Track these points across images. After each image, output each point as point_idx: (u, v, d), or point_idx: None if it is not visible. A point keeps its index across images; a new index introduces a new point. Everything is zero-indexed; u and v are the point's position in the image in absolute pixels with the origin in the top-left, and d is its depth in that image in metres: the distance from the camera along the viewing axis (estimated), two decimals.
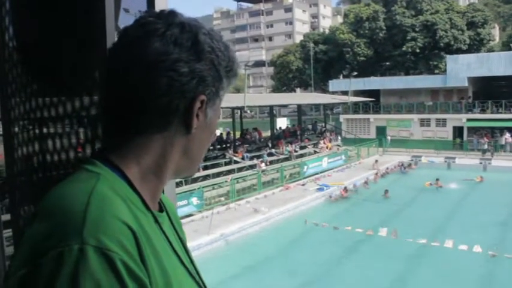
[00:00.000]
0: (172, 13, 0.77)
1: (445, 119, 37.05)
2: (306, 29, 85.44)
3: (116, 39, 0.78)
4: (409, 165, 29.18)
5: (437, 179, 24.39)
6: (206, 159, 23.51)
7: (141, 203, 0.72)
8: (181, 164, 0.79)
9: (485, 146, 32.58)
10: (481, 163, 29.47)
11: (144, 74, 0.72)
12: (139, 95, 0.72)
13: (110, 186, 0.68)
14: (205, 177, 22.24)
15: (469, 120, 35.69)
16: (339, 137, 36.92)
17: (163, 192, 0.84)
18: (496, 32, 72.45)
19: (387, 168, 28.87)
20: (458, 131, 36.29)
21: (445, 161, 30.30)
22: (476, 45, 52.04)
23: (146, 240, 0.66)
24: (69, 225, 0.60)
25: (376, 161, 29.32)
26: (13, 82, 1.28)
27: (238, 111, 29.05)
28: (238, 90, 68.14)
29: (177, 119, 0.74)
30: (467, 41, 51.66)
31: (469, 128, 35.63)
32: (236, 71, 0.82)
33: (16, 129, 1.28)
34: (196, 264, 0.85)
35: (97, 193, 0.65)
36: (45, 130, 1.18)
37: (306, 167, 25.89)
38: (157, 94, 0.72)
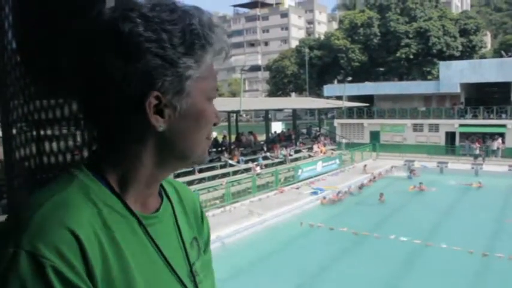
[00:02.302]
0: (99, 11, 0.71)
1: (438, 125, 37.49)
2: (302, 34, 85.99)
3: None
4: (412, 171, 29.29)
5: (420, 183, 24.98)
6: None
7: (122, 207, 0.72)
8: (169, 160, 0.76)
9: (477, 151, 33.04)
10: (472, 168, 29.93)
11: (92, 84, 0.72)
12: (95, 105, 0.73)
13: (84, 191, 0.69)
14: (201, 180, 22.52)
15: (461, 125, 36.14)
16: (337, 141, 37.37)
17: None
18: (488, 39, 73.25)
19: (380, 173, 29.25)
20: (450, 136, 36.73)
21: (438, 166, 30.74)
22: (469, 52, 52.70)
23: (110, 246, 0.66)
24: (14, 229, 0.62)
25: (365, 165, 29.74)
26: (12, 84, 1.26)
27: (234, 115, 29.36)
28: (234, 94, 68.50)
29: (139, 121, 0.70)
30: (460, 48, 52.31)
31: (461, 134, 36.07)
32: (205, 36, 0.71)
33: (15, 131, 1.26)
34: (199, 264, 0.85)
35: (55, 199, 0.66)
36: (43, 132, 1.17)
37: (300, 170, 26.19)
38: (107, 103, 0.71)
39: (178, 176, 21.03)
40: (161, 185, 0.84)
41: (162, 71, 0.68)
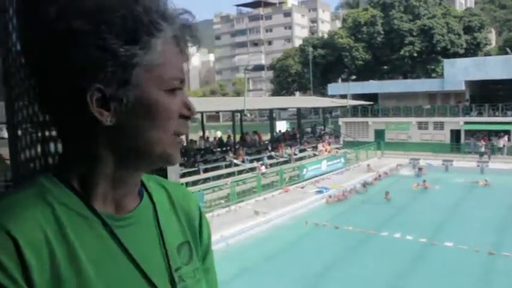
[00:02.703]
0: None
1: (443, 122, 37.38)
2: (305, 33, 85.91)
3: None
4: (421, 169, 29.07)
5: (424, 180, 24.96)
6: (206, 162, 23.85)
7: (83, 207, 0.69)
8: (128, 158, 0.71)
9: (483, 149, 32.91)
10: (478, 166, 29.82)
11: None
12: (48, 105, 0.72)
13: (40, 193, 0.67)
14: (206, 180, 22.56)
15: (466, 123, 36.02)
16: (341, 140, 37.32)
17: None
18: (492, 36, 72.87)
19: (385, 172, 29.19)
20: (455, 134, 36.62)
21: (443, 164, 30.66)
22: (473, 50, 52.52)
23: (63, 247, 0.64)
24: None
25: (368, 164, 29.68)
26: (17, 86, 1.23)
27: (238, 114, 29.38)
28: (238, 94, 68.56)
29: (86, 117, 0.66)
30: (464, 45, 52.16)
31: (466, 131, 35.96)
32: (152, 22, 0.66)
33: (20, 132, 1.23)
34: (183, 270, 0.80)
35: (4, 201, 0.66)
36: (48, 133, 1.13)
37: (305, 169, 26.19)
38: (55, 102, 0.69)
39: (183, 176, 21.10)
40: (144, 186, 0.80)
41: (102, 62, 0.64)
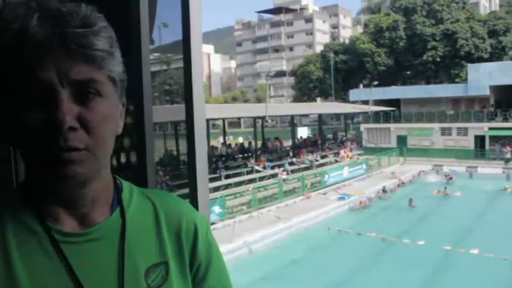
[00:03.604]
0: None
1: (467, 128, 36.85)
2: (326, 39, 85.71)
3: None
4: (451, 178, 28.07)
5: (445, 187, 24.70)
6: (228, 168, 24.00)
7: (33, 221, 0.69)
8: (30, 164, 0.70)
9: (508, 155, 32.33)
10: (504, 172, 29.30)
11: None
12: None
13: (2, 207, 0.70)
14: (227, 186, 22.70)
15: (491, 129, 35.44)
16: (362, 146, 37.10)
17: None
18: None
19: (409, 179, 28.89)
20: (480, 140, 36.04)
21: (467, 170, 30.21)
22: (498, 54, 51.61)
23: (1, 261, 0.65)
24: None
25: (393, 172, 29.36)
26: None
27: (260, 120, 29.50)
28: (259, 100, 68.72)
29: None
30: (489, 50, 51.31)
31: (491, 137, 35.37)
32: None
33: None
34: None
35: None
36: None
37: (327, 176, 26.12)
38: None
39: None
40: (120, 200, 0.77)
41: None
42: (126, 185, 0.80)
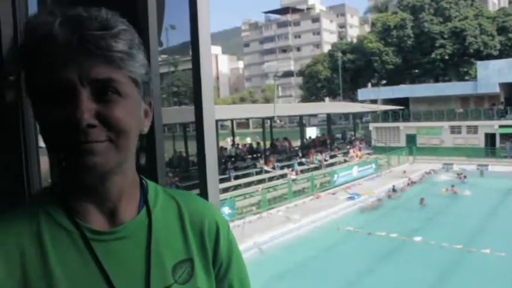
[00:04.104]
0: None
1: (477, 126, 36.60)
2: (334, 38, 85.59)
3: None
4: (465, 176, 27.48)
5: (452, 185, 24.49)
6: (237, 169, 24.04)
7: (66, 220, 0.73)
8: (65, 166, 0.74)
9: None
10: None
11: None
12: None
13: (39, 205, 0.74)
14: (237, 187, 22.73)
15: (501, 126, 35.16)
16: (371, 145, 36.96)
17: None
18: None
19: (420, 177, 28.73)
20: (490, 138, 35.77)
21: (478, 169, 29.98)
22: (508, 51, 51.15)
23: (36, 254, 0.69)
24: None
25: (404, 171, 29.19)
26: None
27: (268, 121, 29.51)
28: (267, 101, 68.73)
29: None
30: (498, 47, 50.92)
31: (501, 135, 35.09)
32: (27, 42, 0.69)
33: None
34: None
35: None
36: None
37: (336, 175, 26.06)
38: None
39: None
40: (146, 201, 0.81)
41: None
42: (151, 185, 0.84)
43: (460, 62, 52.84)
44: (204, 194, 1.13)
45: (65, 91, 0.66)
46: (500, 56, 48.47)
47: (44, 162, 1.31)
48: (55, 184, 0.77)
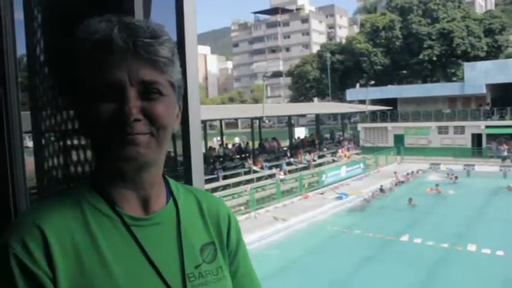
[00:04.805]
0: None
1: (464, 127, 36.96)
2: (323, 39, 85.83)
3: None
4: (456, 177, 27.59)
5: (436, 185, 24.79)
6: (225, 169, 24.01)
7: (107, 208, 0.80)
8: (101, 156, 0.83)
9: (505, 153, 32.41)
10: (501, 170, 29.39)
11: None
12: None
13: (75, 196, 0.80)
14: (225, 187, 22.70)
15: (487, 127, 35.56)
16: (360, 145, 37.08)
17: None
18: None
19: (407, 177, 28.93)
20: (477, 138, 36.14)
21: (464, 169, 30.27)
22: (494, 52, 51.80)
23: (85, 240, 0.76)
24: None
25: (395, 172, 29.35)
26: (43, 95, 1.33)
27: (257, 121, 29.50)
28: (256, 101, 68.75)
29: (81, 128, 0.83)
30: (485, 48, 51.49)
31: (488, 135, 35.48)
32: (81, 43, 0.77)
33: (44, 141, 1.32)
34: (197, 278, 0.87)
35: (42, 204, 0.81)
36: (70, 142, 1.24)
37: (324, 175, 26.13)
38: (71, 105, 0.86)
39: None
40: (172, 192, 0.91)
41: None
42: (171, 180, 0.94)
43: (447, 63, 53.35)
44: None
45: (116, 89, 0.75)
46: (486, 57, 49.03)
47: (29, 162, 1.35)
48: (91, 174, 0.85)
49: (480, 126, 35.93)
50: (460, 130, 37.12)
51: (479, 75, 37.08)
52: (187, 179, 1.16)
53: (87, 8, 1.08)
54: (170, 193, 0.90)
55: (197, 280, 0.86)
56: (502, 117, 35.82)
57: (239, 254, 0.99)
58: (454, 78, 50.41)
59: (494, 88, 37.75)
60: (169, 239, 0.85)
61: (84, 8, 1.10)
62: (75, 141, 1.23)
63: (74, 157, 1.24)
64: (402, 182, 27.71)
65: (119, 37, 0.75)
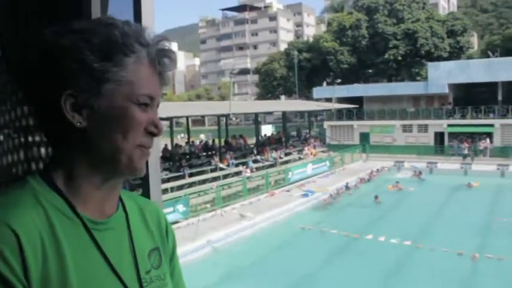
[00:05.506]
0: None
1: (427, 125, 37.70)
2: (290, 37, 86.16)
3: None
4: (420, 172, 28.87)
5: (397, 182, 25.55)
6: (192, 166, 23.73)
7: (68, 209, 0.77)
8: (98, 162, 0.79)
9: (466, 151, 33.24)
10: (461, 168, 30.14)
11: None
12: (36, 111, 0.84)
13: (33, 194, 0.76)
14: (191, 184, 22.43)
15: (449, 125, 36.39)
16: (326, 143, 37.31)
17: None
18: (474, 40, 73.96)
19: (371, 174, 29.31)
20: (439, 137, 36.95)
21: (427, 166, 30.89)
22: (456, 53, 53.15)
23: (50, 243, 0.72)
24: None
25: (371, 172, 29.63)
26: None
27: (224, 118, 29.31)
28: (223, 98, 68.41)
29: (61, 120, 0.77)
30: (448, 49, 52.75)
31: (450, 134, 36.32)
32: (126, 45, 0.78)
33: (2, 137, 1.29)
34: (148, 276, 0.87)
35: (1, 199, 0.75)
36: (31, 138, 1.21)
37: (290, 173, 26.18)
38: (32, 102, 0.84)
39: (168, 180, 20.95)
40: (120, 198, 0.88)
41: (77, 73, 0.75)
42: None
43: (412, 63, 54.37)
44: (146, 193, 1.13)
45: (151, 101, 0.80)
46: (449, 57, 50.23)
47: None
48: (44, 170, 0.82)
49: (443, 124, 36.73)
50: (424, 128, 37.85)
51: (442, 75, 37.89)
52: (144, 180, 1.13)
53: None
54: (119, 198, 0.89)
55: (149, 285, 0.86)
56: (463, 116, 36.74)
57: (175, 256, 0.99)
58: (418, 78, 51.42)
59: (456, 88, 38.67)
60: (123, 243, 0.84)
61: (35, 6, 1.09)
62: (36, 138, 1.18)
63: (33, 154, 1.19)
64: (367, 179, 28.03)
65: (154, 58, 0.81)
